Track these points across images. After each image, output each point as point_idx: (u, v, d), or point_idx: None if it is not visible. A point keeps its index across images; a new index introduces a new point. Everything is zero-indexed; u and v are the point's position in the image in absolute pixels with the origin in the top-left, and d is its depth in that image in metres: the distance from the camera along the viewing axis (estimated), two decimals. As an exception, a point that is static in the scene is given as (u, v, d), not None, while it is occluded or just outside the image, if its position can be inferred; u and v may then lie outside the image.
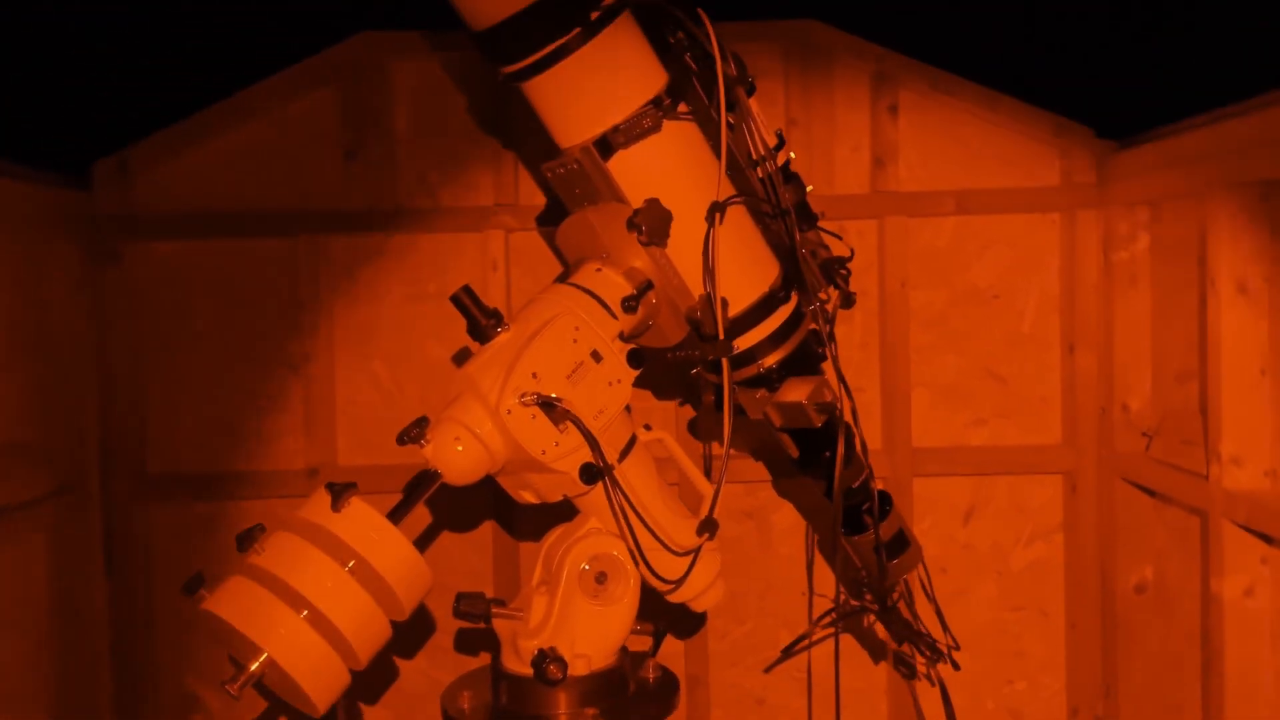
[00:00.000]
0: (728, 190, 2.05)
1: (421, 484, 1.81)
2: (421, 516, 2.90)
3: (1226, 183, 2.28)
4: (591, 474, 1.84)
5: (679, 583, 2.07)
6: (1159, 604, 2.77)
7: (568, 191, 2.05)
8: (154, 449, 2.94)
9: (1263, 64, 2.23)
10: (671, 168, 2.01)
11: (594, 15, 1.86)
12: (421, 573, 1.73)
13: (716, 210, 1.99)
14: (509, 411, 1.79)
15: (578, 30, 1.86)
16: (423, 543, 2.89)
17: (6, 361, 2.48)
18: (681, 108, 2.02)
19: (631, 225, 1.95)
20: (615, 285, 1.97)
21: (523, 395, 1.79)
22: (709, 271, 1.99)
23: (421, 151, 2.99)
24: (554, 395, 1.81)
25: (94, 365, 2.86)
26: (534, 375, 1.81)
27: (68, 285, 2.76)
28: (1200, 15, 2.68)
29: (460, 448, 1.81)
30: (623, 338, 1.97)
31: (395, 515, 1.76)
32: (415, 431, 1.82)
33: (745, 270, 2.12)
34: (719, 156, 2.01)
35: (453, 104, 2.99)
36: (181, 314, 2.96)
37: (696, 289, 2.05)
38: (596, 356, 1.87)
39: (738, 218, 2.10)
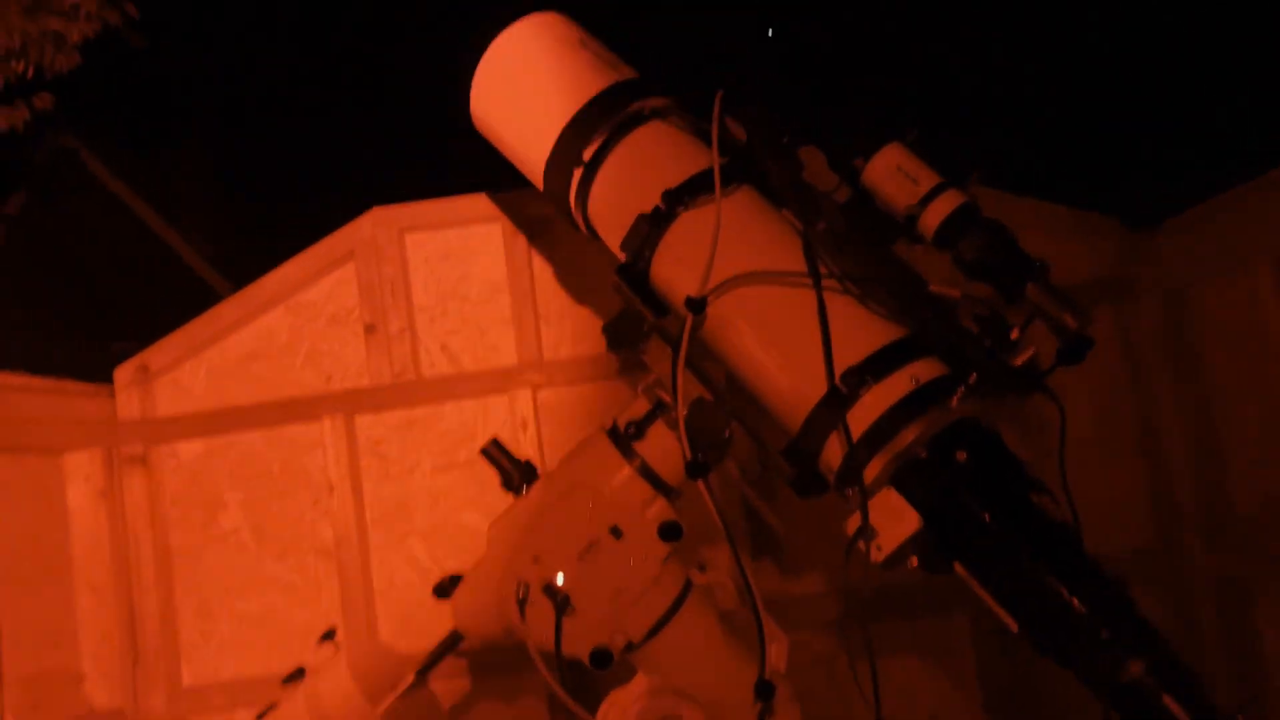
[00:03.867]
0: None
1: (446, 642, 1.77)
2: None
3: None
4: (603, 660, 1.67)
5: None
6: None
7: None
8: (189, 659, 2.82)
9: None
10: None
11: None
12: None
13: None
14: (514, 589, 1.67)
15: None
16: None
17: (32, 585, 2.39)
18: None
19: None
20: (665, 447, 1.71)
21: (519, 587, 1.65)
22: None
23: (441, 319, 2.96)
24: (558, 582, 1.65)
25: (120, 579, 2.77)
26: (535, 559, 1.67)
27: (91, 495, 2.70)
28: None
29: (476, 609, 1.74)
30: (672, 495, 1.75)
31: (422, 672, 1.73)
32: (449, 585, 1.78)
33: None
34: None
35: (468, 269, 2.97)
36: (210, 511, 2.88)
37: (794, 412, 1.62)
38: (616, 533, 1.69)
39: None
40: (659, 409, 1.73)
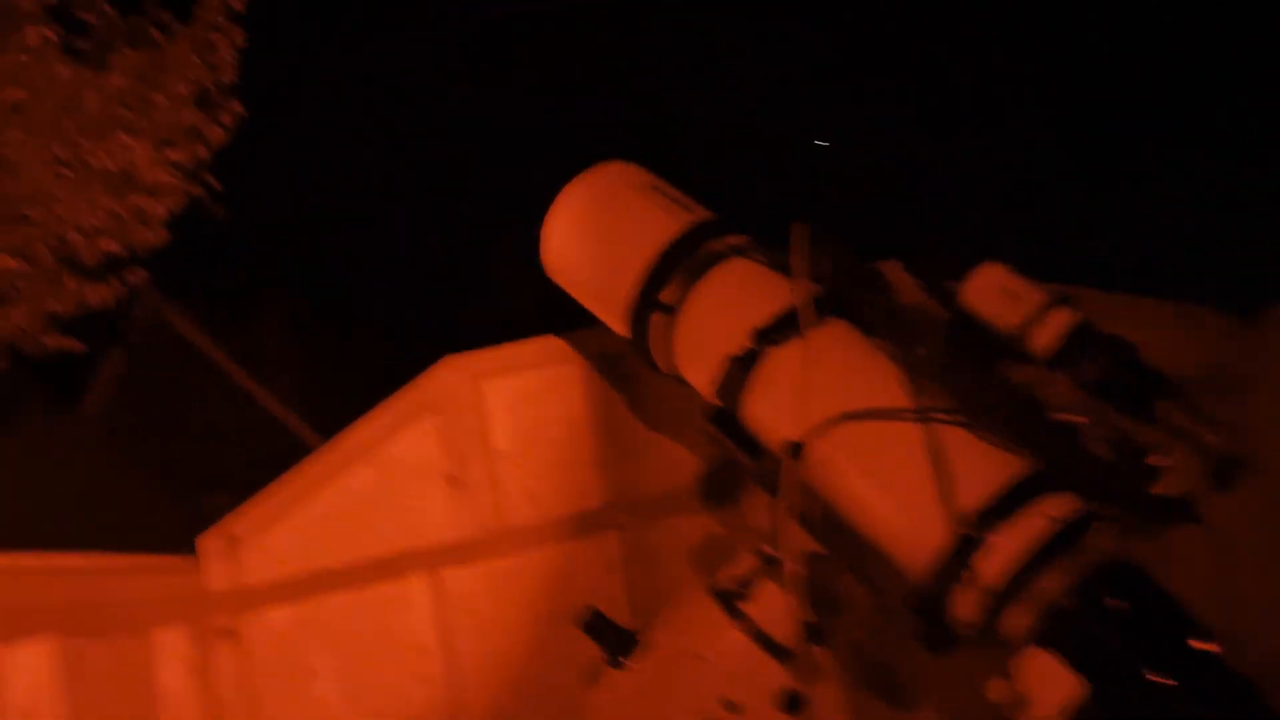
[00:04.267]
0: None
1: None
2: None
3: None
4: None
5: None
6: None
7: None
8: (286, 838, 2.71)
9: None
10: None
11: None
12: None
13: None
14: None
15: None
16: None
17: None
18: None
19: None
20: (776, 607, 1.56)
21: None
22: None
23: (523, 463, 2.90)
24: None
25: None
26: None
27: (182, 674, 2.65)
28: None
29: None
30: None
31: None
32: None
33: None
34: None
35: (547, 411, 2.92)
36: (301, 681, 2.80)
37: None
38: (731, 707, 1.54)
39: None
40: (765, 564, 1.60)
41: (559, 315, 2.65)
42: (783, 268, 1.66)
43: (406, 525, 2.88)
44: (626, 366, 2.83)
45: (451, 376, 2.94)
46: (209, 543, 2.87)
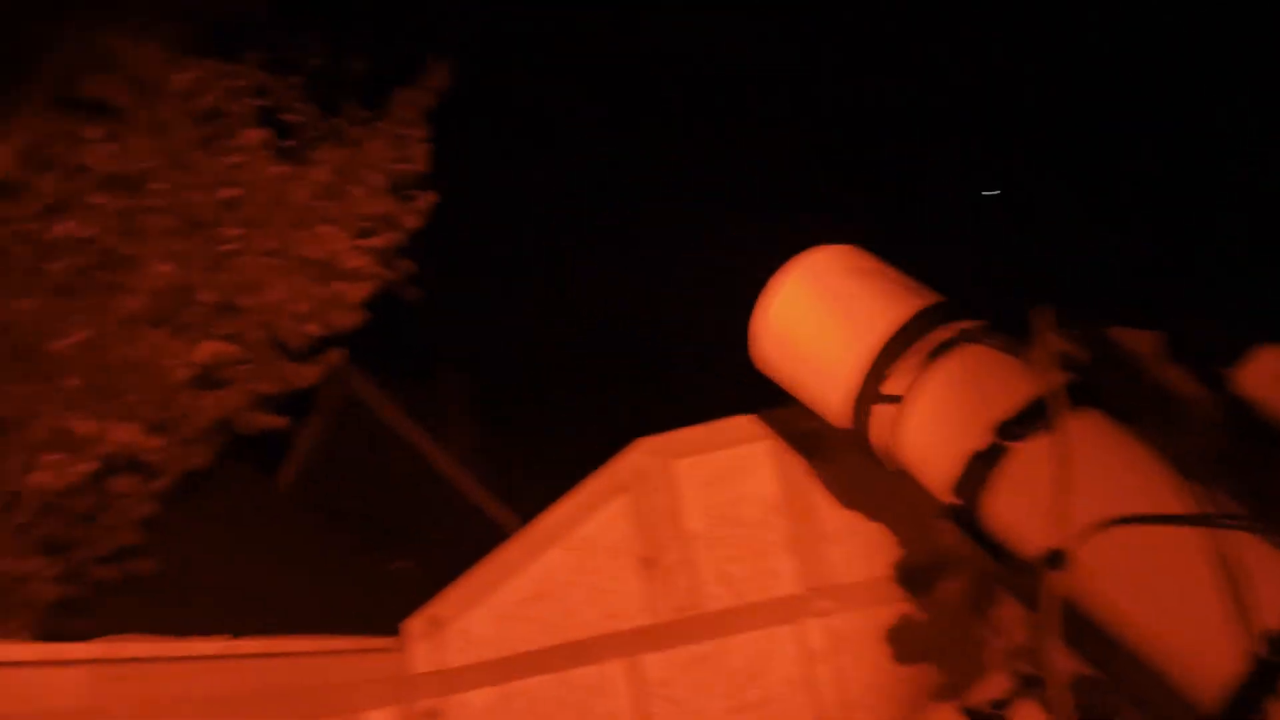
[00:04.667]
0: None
1: None
2: None
3: None
4: None
5: None
6: None
7: None
8: None
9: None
10: None
11: None
12: None
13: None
14: None
15: None
16: None
17: None
18: None
19: None
20: None
21: None
22: None
23: (718, 545, 2.84)
24: None
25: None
26: None
27: (390, 757, 2.69)
28: None
29: None
30: None
31: None
32: None
33: None
34: None
35: (742, 491, 2.86)
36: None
37: None
38: None
39: None
40: (1024, 685, 1.47)
41: (754, 395, 2.60)
42: (1022, 354, 1.55)
43: (603, 608, 2.86)
44: (829, 446, 2.74)
45: (644, 458, 2.92)
46: (415, 625, 2.92)
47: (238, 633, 2.63)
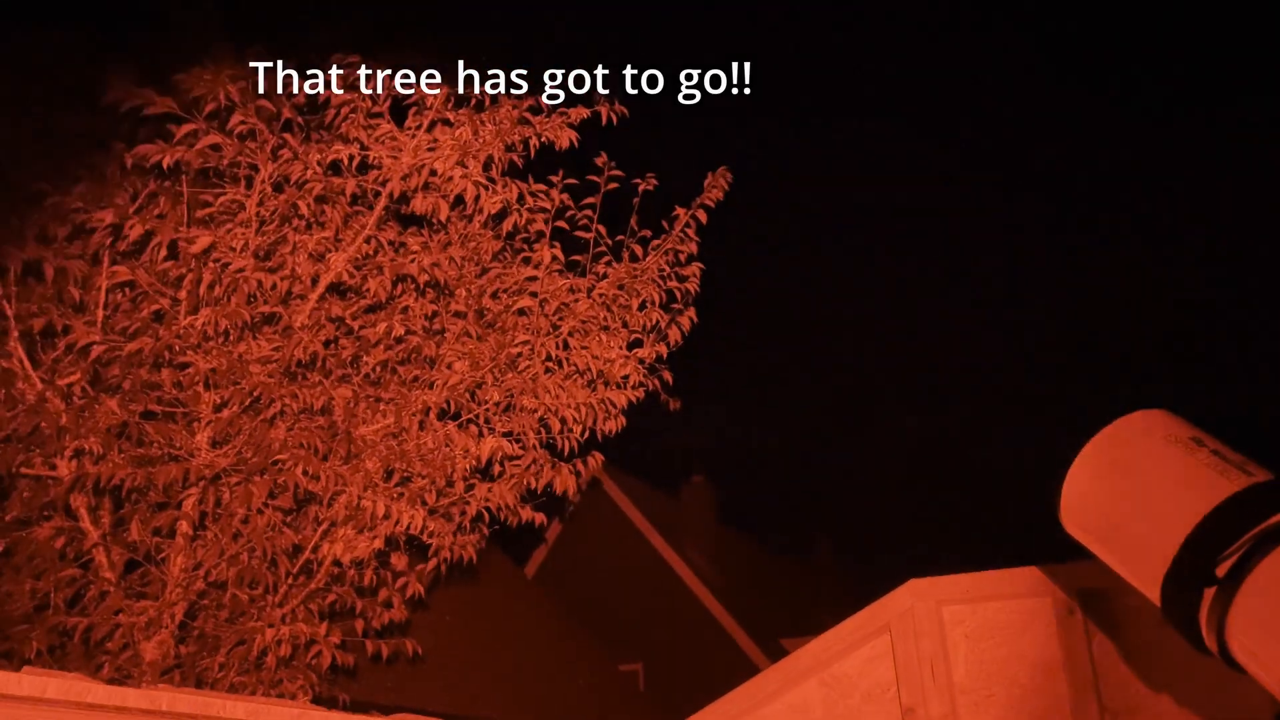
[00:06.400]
0: None
1: None
2: None
3: None
4: None
5: None
6: None
7: None
8: None
9: None
10: None
11: None
12: None
13: None
14: None
15: None
16: None
17: None
18: None
19: None
20: None
21: None
22: None
23: (987, 704, 2.72)
24: None
25: None
26: None
27: None
28: None
29: None
30: None
31: None
32: None
33: None
34: None
35: (1015, 648, 2.73)
36: None
37: None
38: None
39: None
40: None
41: (1040, 552, 2.51)
42: None
43: (858, 751, 2.79)
44: (1117, 609, 2.59)
45: (914, 600, 2.86)
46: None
47: (472, 711, 2.74)
